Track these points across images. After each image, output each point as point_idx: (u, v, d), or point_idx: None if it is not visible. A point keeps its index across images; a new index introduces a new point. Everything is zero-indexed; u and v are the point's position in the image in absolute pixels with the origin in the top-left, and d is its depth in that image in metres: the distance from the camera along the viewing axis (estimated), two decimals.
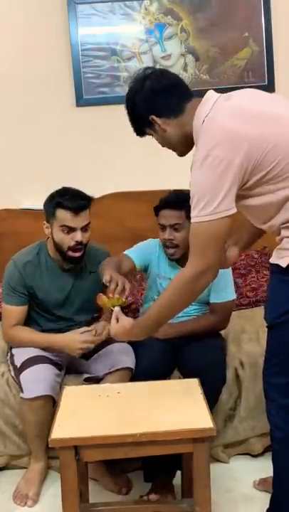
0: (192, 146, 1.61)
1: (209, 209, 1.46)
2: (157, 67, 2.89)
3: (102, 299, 1.80)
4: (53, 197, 2.09)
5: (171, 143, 1.66)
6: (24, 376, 2.01)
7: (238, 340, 2.33)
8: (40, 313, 2.20)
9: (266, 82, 2.97)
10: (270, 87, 2.97)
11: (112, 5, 2.90)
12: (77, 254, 2.08)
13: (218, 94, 1.57)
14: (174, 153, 3.08)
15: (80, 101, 2.95)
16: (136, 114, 1.64)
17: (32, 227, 2.74)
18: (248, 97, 1.59)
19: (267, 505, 1.75)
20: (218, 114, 1.50)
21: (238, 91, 1.61)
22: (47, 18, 2.91)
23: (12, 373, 2.13)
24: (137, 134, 1.72)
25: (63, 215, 2.04)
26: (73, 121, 2.98)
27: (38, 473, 2.08)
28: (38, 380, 1.98)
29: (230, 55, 2.97)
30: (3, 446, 2.18)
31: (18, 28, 2.93)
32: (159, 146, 3.08)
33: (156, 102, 1.59)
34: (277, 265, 1.56)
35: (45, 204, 2.12)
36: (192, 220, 1.51)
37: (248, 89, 1.65)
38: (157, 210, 2.15)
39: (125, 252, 2.21)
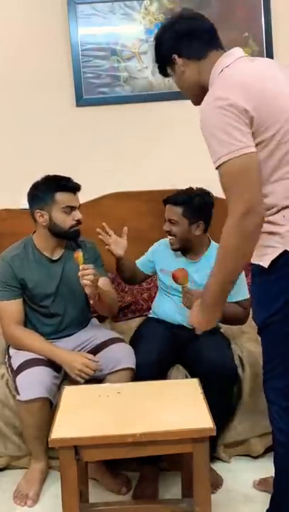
0: (203, 97, 1.59)
1: (228, 147, 1.42)
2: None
3: (79, 255, 2.00)
4: (46, 184, 2.17)
5: (186, 86, 1.67)
6: (20, 379, 2.00)
7: (238, 340, 2.33)
8: (33, 308, 2.20)
9: None
10: None
11: (112, 5, 2.90)
12: (78, 228, 2.18)
13: (244, 54, 1.59)
14: (174, 154, 3.10)
15: (80, 101, 2.95)
16: (161, 51, 1.67)
17: (32, 227, 2.74)
18: (272, 64, 1.60)
19: (267, 506, 1.75)
20: (237, 67, 1.53)
21: (263, 58, 1.64)
22: (47, 18, 2.91)
23: (9, 375, 2.13)
24: (160, 73, 1.74)
25: (65, 197, 2.14)
26: (73, 121, 2.98)
27: (38, 473, 2.08)
28: (33, 382, 1.97)
29: None
30: (4, 447, 2.18)
31: (18, 28, 2.93)
32: (159, 146, 3.11)
33: (181, 43, 1.62)
34: (258, 265, 1.54)
35: (36, 194, 2.17)
36: (215, 166, 1.46)
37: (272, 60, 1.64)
38: (164, 203, 2.34)
39: (136, 262, 2.45)
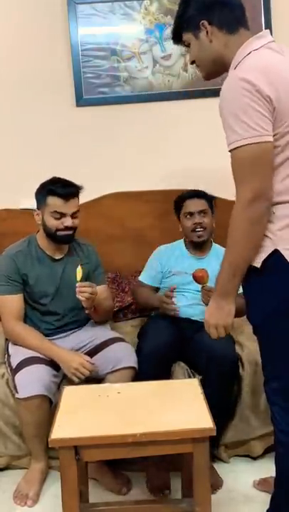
0: (221, 73, 1.56)
1: (249, 132, 1.39)
2: (157, 67, 2.93)
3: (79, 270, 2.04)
4: (45, 185, 2.20)
5: (206, 57, 1.58)
6: (19, 377, 2.01)
7: (238, 338, 2.33)
8: (33, 306, 2.21)
9: None
10: None
11: (112, 5, 2.90)
12: (67, 232, 2.18)
13: (272, 38, 1.55)
14: (174, 154, 3.10)
15: (80, 101, 2.95)
16: (187, 12, 1.56)
17: (32, 227, 2.74)
18: None
19: (267, 506, 1.75)
20: (265, 54, 1.48)
21: None
22: (47, 18, 2.91)
23: (9, 374, 2.14)
24: (173, 38, 1.65)
25: (54, 202, 2.15)
26: (73, 121, 2.97)
27: (38, 473, 2.08)
28: (32, 380, 1.98)
29: None
30: (4, 446, 2.19)
31: (18, 28, 2.92)
32: (159, 146, 3.10)
33: (215, 10, 1.53)
34: (250, 265, 1.52)
35: (37, 193, 2.23)
36: (230, 148, 1.42)
37: None
38: (181, 201, 2.40)
39: (140, 279, 2.45)
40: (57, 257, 2.24)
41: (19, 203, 2.96)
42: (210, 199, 2.41)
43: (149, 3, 2.91)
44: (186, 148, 2.95)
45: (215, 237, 2.45)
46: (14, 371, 2.05)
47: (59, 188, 2.15)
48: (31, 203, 2.94)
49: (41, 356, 2.07)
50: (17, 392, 2.00)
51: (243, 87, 1.40)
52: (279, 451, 1.66)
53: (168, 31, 2.92)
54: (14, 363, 2.07)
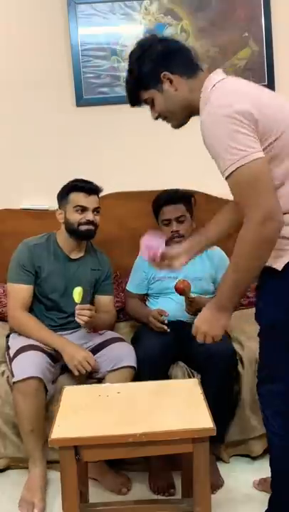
0: (189, 118, 1.59)
1: (238, 154, 1.39)
2: None
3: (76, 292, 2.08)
4: (67, 185, 2.30)
5: (173, 107, 1.59)
6: (15, 362, 2.03)
7: (238, 338, 2.33)
8: (40, 300, 2.25)
9: (266, 82, 2.97)
10: (270, 87, 2.96)
11: (112, 5, 2.90)
12: (89, 227, 2.25)
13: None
14: (174, 154, 3.09)
15: (80, 101, 2.95)
16: (143, 69, 1.56)
17: (32, 227, 2.74)
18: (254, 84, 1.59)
19: (266, 506, 1.75)
20: (229, 80, 1.53)
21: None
22: (47, 18, 2.91)
23: (8, 365, 2.14)
24: (132, 102, 1.65)
25: (77, 197, 2.25)
26: (73, 121, 2.97)
27: (38, 479, 2.03)
28: (28, 363, 2.00)
29: (230, 55, 2.97)
30: (3, 447, 2.18)
31: (18, 28, 2.92)
32: (160, 146, 3.10)
33: (172, 59, 1.55)
34: (270, 268, 1.52)
35: (59, 194, 2.32)
36: (225, 175, 1.43)
37: None
38: (158, 208, 2.35)
39: (127, 289, 2.46)
40: (73, 257, 2.30)
41: (19, 203, 2.96)
42: (188, 199, 2.35)
43: (149, 3, 2.91)
44: (186, 148, 2.94)
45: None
46: (12, 359, 2.07)
47: (81, 183, 2.26)
48: (31, 203, 2.96)
49: (38, 344, 2.09)
50: (13, 376, 2.00)
51: (221, 113, 1.41)
52: (273, 454, 1.66)
53: (168, 31, 2.93)
54: (12, 352, 2.10)
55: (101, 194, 2.94)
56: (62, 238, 2.30)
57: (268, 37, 2.96)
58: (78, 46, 2.91)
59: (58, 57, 2.93)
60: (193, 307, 2.16)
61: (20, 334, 2.18)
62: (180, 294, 2.17)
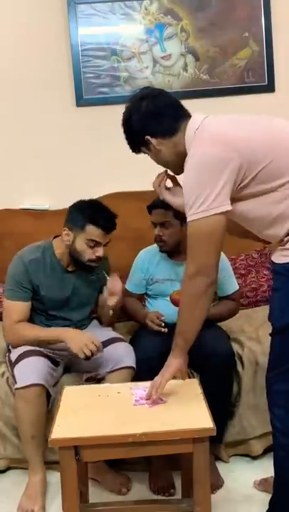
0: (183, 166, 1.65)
1: (203, 206, 1.49)
2: (157, 67, 2.93)
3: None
4: (85, 210, 2.13)
5: (165, 162, 1.71)
6: (18, 368, 2.02)
7: (238, 339, 2.33)
8: (38, 312, 2.20)
9: (266, 82, 2.97)
10: (270, 87, 2.98)
11: (112, 5, 2.90)
12: (95, 264, 2.15)
13: (205, 115, 1.64)
14: None
15: (80, 101, 2.95)
16: (131, 133, 1.70)
17: (32, 227, 2.75)
18: (233, 117, 1.66)
19: (267, 506, 1.75)
20: (207, 124, 1.59)
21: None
22: (47, 18, 2.91)
23: (9, 369, 2.14)
24: (133, 151, 1.77)
25: (94, 231, 2.09)
26: (73, 121, 2.98)
27: (38, 487, 2.01)
28: (30, 369, 1.98)
29: (230, 55, 2.97)
30: (3, 448, 2.18)
31: (18, 28, 2.93)
32: None
33: (151, 124, 1.64)
34: (285, 265, 1.53)
35: (73, 213, 2.14)
36: (188, 220, 1.54)
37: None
38: (149, 209, 2.33)
39: (126, 288, 2.42)
40: (70, 269, 2.21)
41: (19, 203, 2.96)
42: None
43: (149, 3, 2.91)
44: None
45: None
46: (14, 364, 2.06)
47: (102, 220, 2.10)
48: (31, 203, 2.95)
49: (40, 349, 2.07)
50: (16, 382, 1.99)
51: (197, 161, 1.51)
52: (280, 454, 1.66)
53: (168, 31, 2.93)
54: (14, 357, 2.08)
55: (101, 194, 2.95)
56: (61, 251, 2.18)
57: (268, 37, 2.96)
58: (78, 46, 2.91)
59: (58, 57, 2.93)
60: None
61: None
62: (175, 305, 2.15)
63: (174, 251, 2.32)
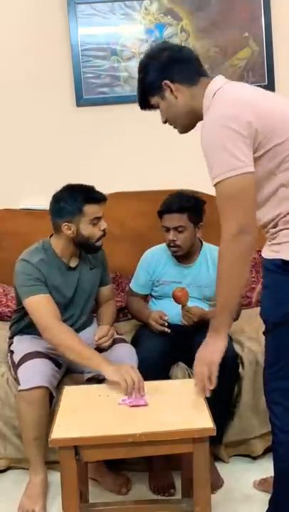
0: (195, 124, 1.62)
1: (228, 166, 1.44)
2: None
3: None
4: (72, 196, 2.10)
5: (176, 114, 1.65)
6: (21, 370, 2.01)
7: (238, 338, 2.33)
8: None
9: (266, 82, 2.97)
10: (270, 87, 2.97)
11: (112, 5, 2.90)
12: (101, 242, 2.17)
13: (227, 80, 1.61)
14: (174, 153, 3.09)
15: (80, 101, 2.95)
16: (148, 79, 1.64)
17: (32, 227, 2.74)
18: (258, 88, 1.64)
19: (267, 506, 1.75)
20: (230, 86, 1.57)
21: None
22: (47, 18, 2.91)
23: (12, 371, 2.13)
24: (141, 106, 1.72)
25: (93, 209, 2.10)
26: (73, 121, 2.98)
27: (39, 487, 2.01)
28: (35, 372, 1.97)
29: (230, 55, 2.97)
30: (3, 448, 2.18)
31: (18, 28, 2.93)
32: (159, 146, 3.10)
33: (173, 68, 1.61)
34: (274, 261, 1.53)
35: (62, 206, 2.09)
36: (213, 183, 1.49)
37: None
38: (161, 214, 2.30)
39: (131, 287, 2.42)
40: (72, 265, 2.19)
41: (19, 203, 2.96)
42: (193, 208, 2.25)
43: (149, 3, 2.91)
44: (185, 148, 2.94)
45: (208, 236, 2.40)
46: (17, 366, 2.05)
47: (94, 194, 2.12)
48: (31, 203, 2.95)
49: (43, 350, 2.06)
50: (19, 384, 1.98)
51: (219, 122, 1.47)
52: (279, 451, 1.66)
53: (168, 31, 2.93)
54: (17, 358, 2.07)
55: None
56: (61, 246, 2.14)
57: (267, 37, 2.96)
58: (78, 46, 2.91)
59: (58, 57, 2.93)
60: (190, 317, 2.14)
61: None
62: (177, 302, 2.15)
63: (185, 254, 2.31)
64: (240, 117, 1.45)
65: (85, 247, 2.16)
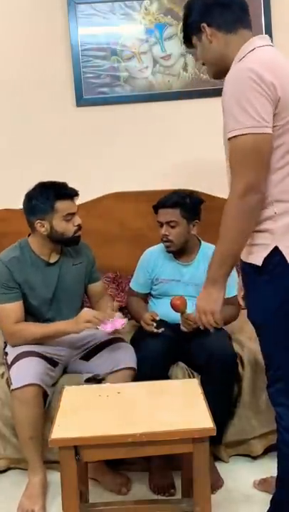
0: (226, 73, 1.56)
1: (250, 121, 1.41)
2: (157, 67, 2.93)
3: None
4: (43, 193, 2.12)
5: (209, 57, 1.64)
6: (14, 369, 2.01)
7: (238, 338, 2.34)
8: (29, 312, 2.17)
9: None
10: None
11: (112, 5, 2.90)
12: (79, 233, 2.16)
13: (267, 43, 1.59)
14: (174, 153, 3.10)
15: (80, 101, 2.95)
16: (189, 18, 1.64)
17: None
18: None
19: (267, 506, 1.75)
20: (270, 49, 1.53)
21: None
22: (47, 18, 2.91)
23: (7, 372, 2.13)
24: (185, 43, 1.72)
25: (65, 205, 2.11)
26: (73, 121, 2.97)
27: (38, 487, 2.01)
28: (27, 370, 1.97)
29: None
30: (3, 449, 2.18)
31: (18, 28, 2.92)
32: (159, 146, 3.10)
33: (214, 12, 1.59)
34: (250, 264, 1.53)
35: (34, 204, 2.13)
36: (229, 136, 1.44)
37: None
38: (156, 209, 2.32)
39: (131, 287, 2.43)
40: (52, 261, 2.19)
41: (19, 203, 2.95)
42: (185, 206, 2.26)
43: (149, 3, 2.91)
44: (186, 148, 2.95)
45: (208, 237, 2.40)
46: (10, 366, 2.05)
47: (65, 191, 2.13)
48: None
49: (37, 350, 2.06)
50: (12, 384, 1.99)
51: (248, 76, 1.42)
52: (283, 450, 1.66)
53: (168, 31, 2.93)
54: (10, 359, 2.08)
55: (101, 194, 2.95)
56: (38, 244, 2.17)
57: None
58: (78, 46, 2.91)
59: (58, 57, 2.93)
60: (190, 324, 2.14)
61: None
62: (176, 311, 2.16)
63: (181, 251, 2.32)
64: (267, 78, 1.41)
65: (62, 242, 2.17)
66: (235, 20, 1.60)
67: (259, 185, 1.44)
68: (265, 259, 1.50)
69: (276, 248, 1.49)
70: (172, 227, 2.25)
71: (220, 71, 1.62)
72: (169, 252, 2.33)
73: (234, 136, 1.43)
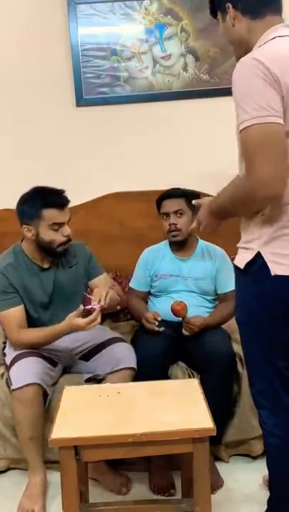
0: (244, 55, 1.50)
1: (260, 111, 1.33)
2: (157, 67, 2.93)
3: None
4: (33, 199, 2.09)
5: (231, 40, 1.58)
6: (13, 370, 2.01)
7: (238, 338, 2.32)
8: (27, 318, 2.15)
9: None
10: None
11: (112, 5, 2.90)
12: (66, 245, 2.12)
13: None
14: (174, 153, 3.10)
15: (80, 101, 2.95)
16: None
17: None
18: None
19: (266, 506, 1.75)
20: (282, 41, 1.43)
21: None
22: (47, 18, 2.91)
23: (6, 373, 2.13)
24: (210, 14, 1.66)
25: (51, 214, 2.06)
26: (73, 121, 2.98)
27: (38, 487, 2.01)
28: (26, 370, 1.97)
29: (230, 55, 2.96)
30: (3, 449, 2.18)
31: (18, 28, 2.92)
32: (159, 146, 3.10)
33: None
34: (237, 267, 1.55)
35: (23, 208, 2.11)
36: (240, 127, 1.37)
37: None
38: (159, 202, 2.36)
39: (131, 285, 2.44)
40: (46, 266, 2.17)
41: None
42: (189, 197, 2.25)
43: (149, 3, 2.91)
44: (186, 148, 2.95)
45: (208, 237, 2.41)
46: (9, 367, 2.05)
47: (53, 199, 2.07)
48: None
49: (36, 351, 2.06)
50: (12, 384, 1.98)
51: (256, 66, 1.36)
52: (270, 454, 1.66)
53: (168, 31, 2.93)
54: (9, 360, 2.08)
55: (101, 194, 2.95)
56: (31, 249, 2.15)
57: None
58: (78, 46, 2.91)
59: (58, 57, 2.93)
60: (191, 328, 2.16)
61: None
62: (176, 316, 2.16)
63: (180, 246, 2.35)
64: (275, 72, 1.34)
65: (48, 251, 2.13)
66: (262, 5, 1.49)
67: (271, 180, 1.33)
68: (249, 263, 1.50)
69: (259, 254, 1.48)
70: (180, 215, 2.30)
71: (239, 55, 1.55)
72: (175, 242, 2.35)
73: (245, 128, 1.36)
